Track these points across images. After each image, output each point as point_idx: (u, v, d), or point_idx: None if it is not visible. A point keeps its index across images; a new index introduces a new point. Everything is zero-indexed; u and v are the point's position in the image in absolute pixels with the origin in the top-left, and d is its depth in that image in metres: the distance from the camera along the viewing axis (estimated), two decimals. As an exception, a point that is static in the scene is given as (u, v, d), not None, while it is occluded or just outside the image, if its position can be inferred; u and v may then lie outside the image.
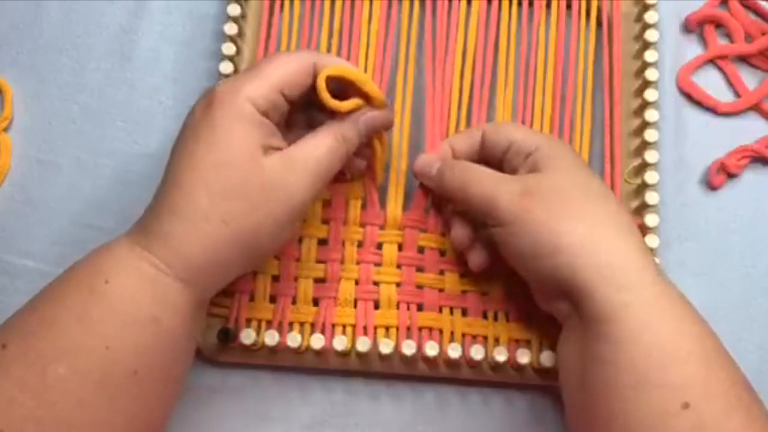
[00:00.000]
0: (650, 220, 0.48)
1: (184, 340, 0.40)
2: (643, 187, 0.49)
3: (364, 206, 0.48)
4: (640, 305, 0.38)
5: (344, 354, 0.46)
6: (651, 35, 0.51)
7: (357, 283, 0.47)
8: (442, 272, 0.47)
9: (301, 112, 0.44)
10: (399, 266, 0.47)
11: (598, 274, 0.39)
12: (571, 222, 0.40)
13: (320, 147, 0.41)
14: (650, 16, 0.52)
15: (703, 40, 0.55)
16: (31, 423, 0.36)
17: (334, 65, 0.42)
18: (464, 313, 0.47)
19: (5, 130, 0.52)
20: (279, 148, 0.41)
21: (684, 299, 0.40)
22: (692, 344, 0.38)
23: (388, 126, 0.45)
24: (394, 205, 0.48)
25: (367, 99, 0.43)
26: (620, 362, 0.38)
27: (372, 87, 0.43)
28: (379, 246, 0.48)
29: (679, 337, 0.38)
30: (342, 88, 0.43)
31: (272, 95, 0.40)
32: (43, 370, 0.36)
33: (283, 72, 0.41)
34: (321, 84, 0.41)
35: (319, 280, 0.47)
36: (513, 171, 0.44)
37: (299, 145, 0.41)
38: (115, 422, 0.38)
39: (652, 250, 0.47)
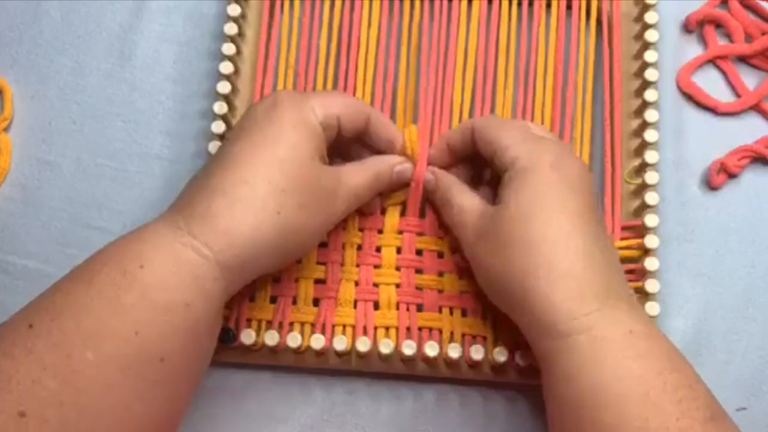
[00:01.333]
0: (650, 220, 0.48)
1: (211, 330, 0.40)
2: (643, 187, 0.49)
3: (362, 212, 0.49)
4: (577, 348, 0.39)
5: (344, 354, 0.46)
6: (651, 35, 0.51)
7: (357, 284, 0.47)
8: (441, 273, 0.48)
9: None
10: (398, 268, 0.48)
11: (537, 321, 0.40)
12: (510, 271, 0.41)
13: (366, 177, 0.45)
14: (650, 16, 0.52)
15: (703, 40, 0.55)
16: (53, 406, 0.35)
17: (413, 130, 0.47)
18: (464, 313, 0.47)
19: (5, 130, 0.52)
20: (325, 161, 0.43)
21: (635, 337, 0.39)
22: (634, 386, 0.37)
23: (407, 185, 0.48)
24: (393, 210, 0.48)
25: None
26: (565, 400, 0.39)
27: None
28: (378, 249, 0.48)
29: (615, 378, 0.38)
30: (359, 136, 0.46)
31: (331, 117, 0.43)
32: (69, 353, 0.36)
33: (345, 104, 0.44)
34: (410, 136, 0.47)
35: (319, 281, 0.47)
36: (500, 175, 0.44)
37: (349, 168, 0.45)
38: (135, 408, 0.37)
39: (651, 250, 0.47)
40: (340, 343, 0.45)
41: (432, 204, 0.48)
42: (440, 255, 0.48)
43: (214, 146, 0.49)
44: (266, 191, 0.40)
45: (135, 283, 0.37)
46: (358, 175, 0.45)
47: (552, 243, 0.40)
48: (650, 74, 0.51)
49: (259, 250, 0.40)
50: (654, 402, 0.37)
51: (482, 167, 0.49)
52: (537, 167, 0.42)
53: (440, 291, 0.47)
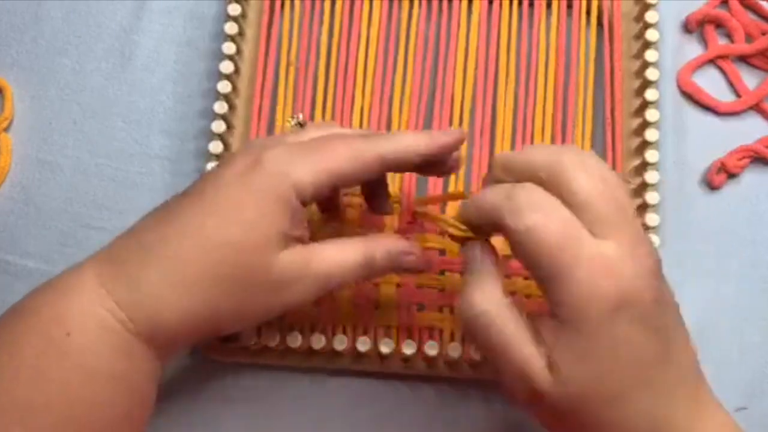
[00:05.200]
0: (650, 219, 0.48)
1: (148, 395, 0.38)
2: (644, 186, 0.49)
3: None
4: None
5: (344, 354, 0.46)
6: (651, 35, 0.51)
7: (357, 283, 0.47)
8: (442, 272, 0.47)
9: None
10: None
11: None
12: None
13: (342, 260, 0.38)
14: (651, 16, 0.52)
15: (704, 40, 0.55)
16: None
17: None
18: (464, 313, 0.47)
19: (5, 130, 0.52)
20: (300, 238, 0.38)
21: None
22: None
23: (419, 272, 0.41)
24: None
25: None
26: None
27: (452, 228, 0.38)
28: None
29: None
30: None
31: (321, 187, 0.37)
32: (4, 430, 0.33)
33: (340, 161, 0.37)
34: (453, 220, 0.37)
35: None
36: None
37: (322, 248, 0.38)
38: None
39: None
40: (340, 343, 0.45)
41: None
42: (441, 252, 0.48)
43: (214, 146, 0.49)
44: (200, 281, 0.35)
45: (60, 353, 0.35)
46: (336, 259, 0.38)
47: (642, 380, 0.33)
48: (651, 74, 0.51)
49: (185, 335, 0.37)
50: None
51: None
52: (589, 322, 0.32)
53: (441, 290, 0.47)
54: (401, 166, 0.38)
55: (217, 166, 0.39)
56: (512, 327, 0.34)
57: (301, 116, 0.46)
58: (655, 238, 0.48)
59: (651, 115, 0.50)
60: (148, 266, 0.36)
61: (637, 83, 0.52)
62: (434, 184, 0.49)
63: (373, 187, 0.42)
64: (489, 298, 0.35)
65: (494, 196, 0.34)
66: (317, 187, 0.37)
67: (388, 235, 0.42)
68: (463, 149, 0.48)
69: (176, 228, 0.36)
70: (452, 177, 0.49)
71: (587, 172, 0.33)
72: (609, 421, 0.33)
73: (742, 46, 0.54)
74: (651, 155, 0.49)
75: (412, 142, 0.38)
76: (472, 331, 0.35)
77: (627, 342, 0.32)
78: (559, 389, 0.32)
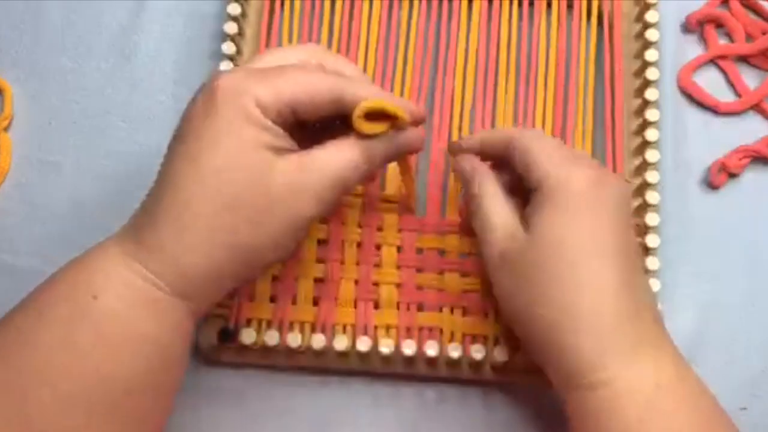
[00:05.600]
0: (650, 219, 0.48)
1: (180, 354, 0.38)
2: (644, 186, 0.49)
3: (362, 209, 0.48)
4: (593, 405, 0.37)
5: (344, 354, 0.46)
6: (651, 35, 0.51)
7: (357, 283, 0.47)
8: (441, 272, 0.47)
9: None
10: (398, 267, 0.47)
11: (553, 369, 0.39)
12: (533, 310, 0.38)
13: (343, 158, 0.37)
14: (651, 16, 0.52)
15: (704, 40, 0.55)
16: None
17: (373, 101, 0.37)
18: (464, 312, 0.47)
19: (5, 129, 0.52)
20: (291, 149, 0.37)
21: (657, 389, 0.37)
22: None
23: (419, 148, 0.41)
24: (391, 208, 0.48)
25: (399, 124, 0.39)
26: None
27: (404, 114, 0.38)
28: (378, 247, 0.48)
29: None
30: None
31: (282, 108, 0.36)
32: (24, 395, 0.33)
33: (298, 91, 0.37)
34: (358, 116, 0.37)
35: (318, 280, 0.47)
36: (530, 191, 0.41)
37: (319, 151, 0.37)
38: None
39: (652, 250, 0.47)
40: (340, 343, 0.45)
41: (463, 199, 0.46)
42: (441, 253, 0.48)
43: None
44: (209, 213, 0.35)
45: (89, 319, 0.35)
46: (333, 155, 0.37)
47: (579, 286, 0.37)
48: (651, 73, 0.51)
49: (217, 275, 0.37)
50: None
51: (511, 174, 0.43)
52: (570, 192, 0.38)
53: (441, 290, 0.47)
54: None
55: (180, 119, 0.38)
56: (499, 196, 0.41)
57: None
58: (655, 238, 0.48)
59: (651, 114, 0.50)
60: (161, 227, 0.36)
61: (637, 83, 0.52)
62: (433, 183, 0.49)
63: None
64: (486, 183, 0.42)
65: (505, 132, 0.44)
66: (278, 107, 0.36)
67: None
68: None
69: (172, 184, 0.36)
70: (450, 175, 0.49)
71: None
72: (561, 280, 0.38)
73: (742, 46, 0.54)
74: (651, 155, 0.49)
75: (370, 93, 0.38)
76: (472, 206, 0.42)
77: (593, 216, 0.38)
78: (528, 243, 0.38)
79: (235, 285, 0.39)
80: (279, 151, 0.36)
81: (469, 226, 0.44)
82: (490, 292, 0.46)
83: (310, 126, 0.39)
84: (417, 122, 0.40)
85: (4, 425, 0.33)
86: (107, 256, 0.37)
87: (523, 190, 0.41)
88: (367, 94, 0.38)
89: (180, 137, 0.38)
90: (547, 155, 0.40)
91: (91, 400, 0.34)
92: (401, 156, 0.42)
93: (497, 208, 0.41)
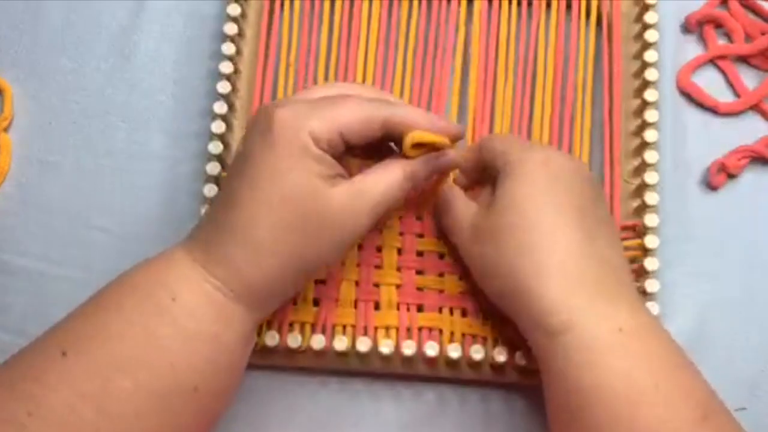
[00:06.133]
0: (650, 220, 0.48)
1: (242, 357, 0.41)
2: (643, 187, 0.49)
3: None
4: (560, 350, 0.39)
5: (344, 354, 0.46)
6: (651, 35, 0.51)
7: (357, 284, 0.47)
8: (441, 274, 0.47)
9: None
10: (399, 269, 0.47)
11: (526, 319, 0.41)
12: (501, 264, 0.41)
13: (388, 180, 0.42)
14: (650, 17, 0.52)
15: (703, 40, 0.55)
16: None
17: (419, 132, 0.41)
18: (464, 313, 0.47)
19: (5, 130, 0.52)
20: (342, 175, 0.41)
21: (625, 336, 0.39)
22: (617, 386, 0.38)
23: (456, 167, 0.46)
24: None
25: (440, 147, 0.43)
26: (555, 399, 0.40)
27: (445, 141, 0.43)
28: (379, 249, 0.48)
29: (599, 378, 0.38)
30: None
31: (333, 137, 0.40)
32: (105, 382, 0.36)
33: (350, 119, 0.40)
34: (407, 145, 0.41)
35: (319, 281, 0.47)
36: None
37: (367, 176, 0.41)
38: None
39: (651, 250, 0.47)
40: (340, 343, 0.45)
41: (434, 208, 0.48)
42: (441, 256, 0.48)
43: (214, 146, 0.49)
44: (270, 237, 0.39)
45: (168, 316, 0.38)
46: (379, 180, 0.42)
47: (540, 234, 0.41)
48: (650, 74, 0.51)
49: (279, 287, 0.41)
50: (642, 402, 0.37)
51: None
52: (527, 164, 0.42)
53: (441, 291, 0.47)
54: (399, 135, 0.42)
55: (239, 144, 0.42)
56: (462, 196, 0.46)
57: None
58: (654, 239, 0.48)
59: (650, 115, 0.50)
60: (228, 243, 0.39)
61: (636, 84, 0.52)
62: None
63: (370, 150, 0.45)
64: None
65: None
66: (330, 138, 0.40)
67: None
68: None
69: (238, 202, 0.40)
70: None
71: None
72: (524, 232, 0.41)
73: (741, 46, 0.54)
74: (650, 156, 0.49)
75: (415, 116, 0.42)
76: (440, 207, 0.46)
77: (548, 184, 0.42)
78: (493, 210, 0.42)
79: (290, 295, 0.43)
80: (331, 178, 0.40)
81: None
82: (481, 292, 0.47)
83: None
84: (455, 140, 0.44)
85: (86, 407, 0.36)
86: (181, 263, 0.40)
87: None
88: (413, 117, 0.42)
89: (240, 162, 0.41)
90: (506, 145, 0.44)
91: (164, 392, 0.37)
92: (442, 174, 0.46)
93: (462, 201, 0.45)
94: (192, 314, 0.38)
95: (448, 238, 0.46)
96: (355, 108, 0.41)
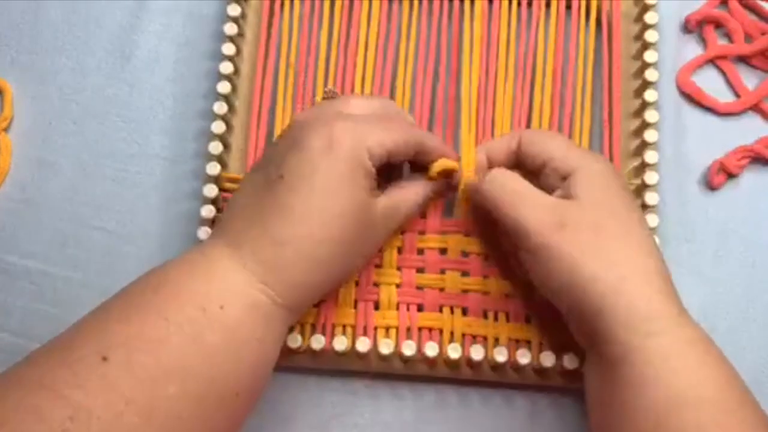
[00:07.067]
0: (650, 220, 0.48)
1: (274, 360, 0.42)
2: (643, 187, 0.49)
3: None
4: (658, 351, 0.38)
5: (344, 354, 0.46)
6: (651, 36, 0.51)
7: (357, 284, 0.47)
8: (442, 271, 0.47)
9: None
10: (399, 268, 0.47)
11: (620, 319, 0.39)
12: (602, 264, 0.40)
13: (415, 199, 0.46)
14: (650, 17, 0.52)
15: (703, 41, 0.55)
16: None
17: (447, 161, 0.46)
18: (464, 312, 0.47)
19: (5, 130, 0.52)
20: (375, 189, 0.44)
21: (706, 344, 0.40)
22: (711, 391, 0.38)
23: (456, 189, 0.48)
24: None
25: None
26: (637, 405, 0.38)
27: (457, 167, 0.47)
28: (379, 248, 0.48)
29: (696, 382, 0.38)
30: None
31: (383, 154, 0.43)
32: (152, 388, 0.36)
33: (398, 140, 0.43)
34: (435, 170, 0.46)
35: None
36: (549, 188, 0.44)
37: (398, 194, 0.45)
38: None
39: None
40: (340, 343, 0.45)
41: (477, 204, 0.47)
42: (442, 252, 0.48)
43: (214, 146, 0.49)
44: (331, 247, 0.41)
45: (216, 323, 0.38)
46: (408, 197, 0.46)
47: (634, 236, 0.41)
48: (650, 74, 0.51)
49: (320, 293, 0.43)
50: (728, 410, 0.38)
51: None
52: (594, 170, 0.43)
53: (441, 289, 0.47)
54: (425, 159, 0.46)
55: (294, 146, 0.42)
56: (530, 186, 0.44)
57: (332, 88, 0.51)
58: (655, 238, 0.48)
59: (650, 116, 0.50)
60: (284, 252, 0.40)
61: (636, 84, 0.52)
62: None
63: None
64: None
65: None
66: (381, 154, 0.43)
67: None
68: (466, 148, 0.48)
69: (291, 215, 0.40)
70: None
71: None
72: (615, 238, 0.41)
73: (741, 47, 0.54)
74: (650, 156, 0.49)
75: (439, 144, 0.47)
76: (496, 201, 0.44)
77: (621, 191, 0.43)
78: (584, 206, 0.42)
79: (323, 297, 0.45)
80: (372, 190, 0.43)
81: (476, 223, 0.48)
82: (493, 294, 0.47)
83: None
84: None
85: (132, 414, 0.35)
86: (227, 267, 0.40)
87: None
88: (439, 145, 0.46)
89: (296, 171, 0.41)
90: (563, 149, 0.44)
91: (209, 399, 0.38)
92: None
93: (533, 187, 0.44)
94: (241, 322, 0.39)
95: (507, 229, 0.44)
96: (402, 131, 0.44)
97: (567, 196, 0.42)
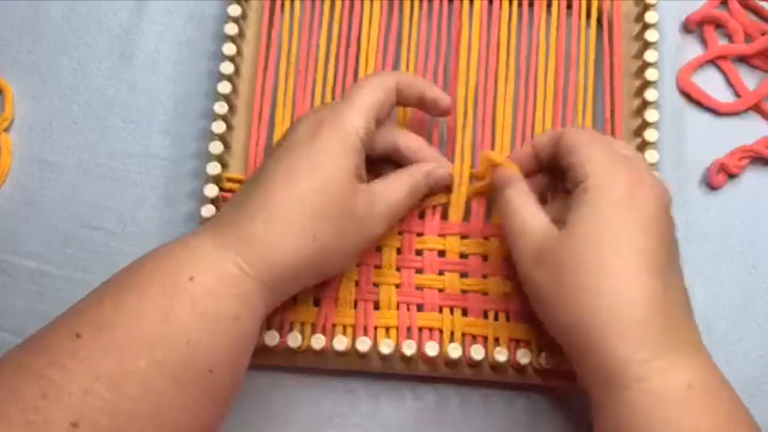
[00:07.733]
0: (650, 220, 0.48)
1: (254, 337, 0.41)
2: (643, 187, 0.49)
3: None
4: (624, 402, 0.38)
5: (344, 354, 0.46)
6: (651, 35, 0.51)
7: (357, 284, 0.47)
8: (441, 272, 0.47)
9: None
10: (398, 269, 0.48)
11: (585, 365, 0.39)
12: (567, 305, 0.39)
13: (403, 190, 0.45)
14: (650, 16, 0.52)
15: (703, 41, 0.55)
16: (106, 415, 0.35)
17: (488, 153, 0.46)
18: (464, 313, 0.47)
19: (6, 130, 0.52)
20: (363, 177, 0.43)
21: (688, 392, 0.38)
22: None
23: (448, 183, 0.48)
24: None
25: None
26: None
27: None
28: (379, 249, 0.48)
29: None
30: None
31: (370, 123, 0.43)
32: (121, 362, 0.36)
33: (375, 98, 0.43)
34: (484, 163, 0.47)
35: (319, 281, 0.47)
36: (570, 189, 0.43)
37: (384, 185, 0.45)
38: (181, 417, 0.38)
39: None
40: (340, 343, 0.45)
41: (496, 207, 0.47)
42: (441, 254, 0.48)
43: (214, 146, 0.49)
44: (304, 219, 0.41)
45: (186, 294, 0.38)
46: (393, 189, 0.45)
47: (615, 281, 0.39)
48: (650, 74, 0.51)
49: (297, 273, 0.41)
50: None
51: (561, 179, 0.45)
52: (610, 192, 0.40)
53: (441, 290, 0.47)
54: (408, 98, 0.46)
55: (286, 133, 0.44)
56: (533, 202, 0.44)
57: None
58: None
59: (651, 115, 0.50)
60: (256, 222, 0.40)
61: (636, 84, 0.52)
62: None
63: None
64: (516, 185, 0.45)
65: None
66: (367, 127, 0.43)
67: (425, 163, 0.47)
68: (465, 149, 0.49)
69: (272, 188, 0.41)
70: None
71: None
72: (597, 275, 0.39)
73: (741, 47, 0.54)
74: (651, 155, 0.49)
75: (415, 78, 0.47)
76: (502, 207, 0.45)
77: (629, 218, 0.40)
78: (564, 239, 0.40)
79: (302, 289, 0.44)
80: (360, 179, 0.43)
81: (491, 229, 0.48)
82: (492, 295, 0.47)
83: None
84: (445, 113, 0.48)
85: (102, 388, 0.35)
86: (199, 243, 0.40)
87: (563, 191, 0.44)
88: (415, 79, 0.46)
89: (281, 152, 0.42)
90: (592, 154, 0.42)
91: (179, 371, 0.37)
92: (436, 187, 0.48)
93: (530, 210, 0.43)
94: (211, 293, 0.38)
95: (506, 240, 0.44)
96: (370, 85, 0.44)
97: (574, 205, 0.41)
